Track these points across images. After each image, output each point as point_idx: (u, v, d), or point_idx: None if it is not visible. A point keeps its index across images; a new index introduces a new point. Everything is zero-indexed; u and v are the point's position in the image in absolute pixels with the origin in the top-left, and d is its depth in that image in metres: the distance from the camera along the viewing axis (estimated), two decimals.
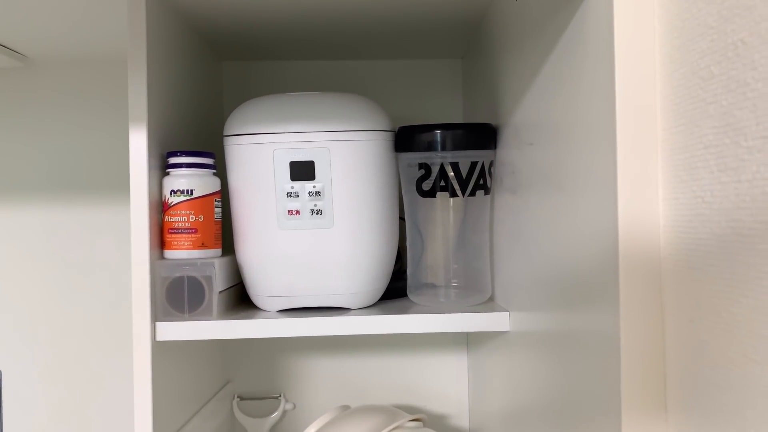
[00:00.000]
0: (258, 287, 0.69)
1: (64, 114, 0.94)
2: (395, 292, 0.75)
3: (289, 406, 0.93)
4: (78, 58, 0.92)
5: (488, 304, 0.71)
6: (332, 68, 0.94)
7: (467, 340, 0.95)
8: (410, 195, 0.71)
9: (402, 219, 0.74)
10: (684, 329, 0.34)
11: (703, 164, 0.31)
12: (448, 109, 0.94)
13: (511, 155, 0.64)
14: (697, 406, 0.32)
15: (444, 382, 0.94)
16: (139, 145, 0.62)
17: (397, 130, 0.71)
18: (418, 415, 0.81)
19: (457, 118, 0.94)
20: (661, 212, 0.36)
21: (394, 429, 0.76)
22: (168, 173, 0.66)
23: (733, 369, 0.29)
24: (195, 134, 0.79)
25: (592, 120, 0.41)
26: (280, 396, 0.93)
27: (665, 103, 0.35)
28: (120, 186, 0.94)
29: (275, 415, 0.92)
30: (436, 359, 0.94)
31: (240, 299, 0.75)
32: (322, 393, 0.94)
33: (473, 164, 0.68)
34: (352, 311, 0.69)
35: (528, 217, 0.58)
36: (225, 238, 0.73)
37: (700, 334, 0.32)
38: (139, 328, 0.63)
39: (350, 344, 0.94)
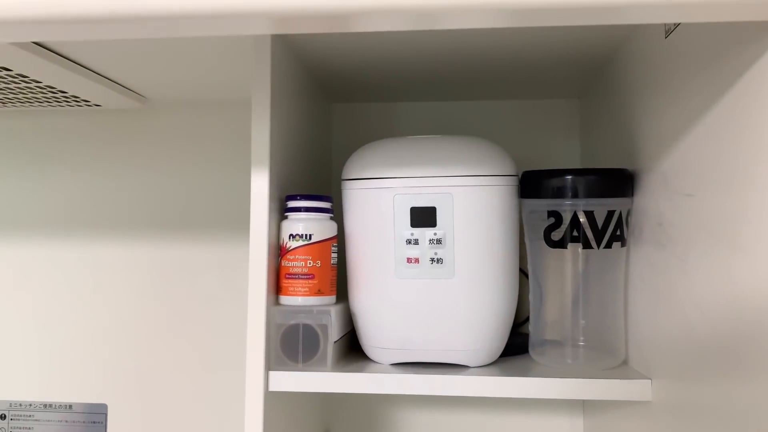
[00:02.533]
0: (371, 338, 0.65)
1: (177, 154, 0.96)
2: (515, 348, 0.70)
3: None
4: (195, 100, 0.94)
5: (622, 368, 0.64)
6: (444, 109, 0.91)
7: (584, 403, 0.87)
8: (535, 244, 0.66)
9: (522, 272, 0.69)
10: None
11: None
12: (565, 151, 0.89)
13: (658, 205, 0.58)
14: None
15: None
16: (260, 187, 0.61)
17: (521, 175, 0.66)
18: None
19: (575, 161, 0.89)
20: None
21: None
22: (286, 217, 0.65)
23: None
24: (310, 178, 0.78)
25: None
26: None
27: None
28: (227, 225, 0.94)
29: None
30: (548, 420, 0.87)
31: (350, 348, 0.72)
32: None
33: (610, 213, 0.62)
34: (471, 369, 0.64)
35: (684, 275, 0.52)
36: (339, 285, 0.70)
37: None
38: (253, 378, 0.60)
39: (457, 400, 0.89)
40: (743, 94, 0.42)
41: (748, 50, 0.41)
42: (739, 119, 0.42)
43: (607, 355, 0.65)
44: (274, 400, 0.63)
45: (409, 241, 0.62)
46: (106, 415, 0.94)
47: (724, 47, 0.45)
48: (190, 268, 0.95)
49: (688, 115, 0.51)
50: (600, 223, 0.62)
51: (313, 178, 0.80)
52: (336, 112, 0.93)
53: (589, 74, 0.79)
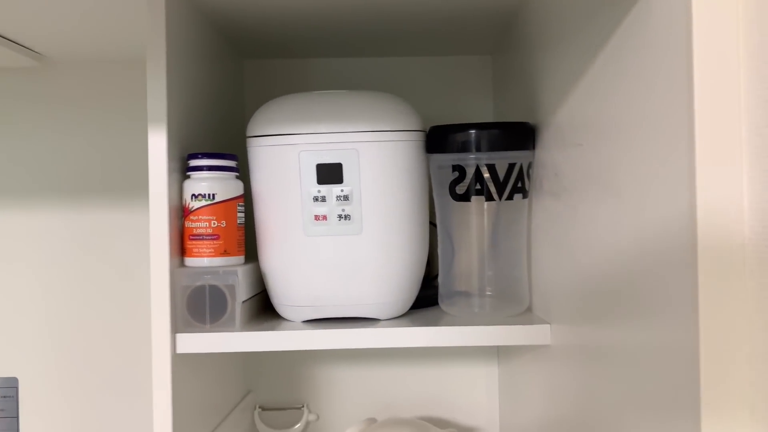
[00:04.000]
0: (282, 296, 0.65)
1: (81, 115, 0.91)
2: (425, 300, 0.71)
3: (312, 417, 0.89)
4: (96, 59, 0.89)
5: (526, 315, 0.67)
6: (356, 66, 0.90)
7: (498, 351, 0.90)
8: (442, 198, 0.67)
9: (432, 224, 0.70)
10: None
11: None
12: (478, 107, 0.90)
13: (554, 157, 0.60)
14: None
15: (473, 394, 0.90)
16: (158, 146, 0.59)
17: (428, 130, 0.67)
18: (448, 430, 0.77)
19: (488, 117, 0.90)
20: (746, 205, 0.31)
21: None
22: (189, 176, 0.63)
23: None
24: (217, 136, 0.76)
25: (661, 116, 0.36)
26: (303, 407, 0.89)
27: (748, 96, 0.31)
28: (139, 188, 0.91)
29: (298, 426, 0.89)
30: (465, 370, 0.90)
31: (263, 308, 0.71)
32: (346, 404, 0.90)
33: (511, 166, 0.64)
34: (382, 322, 0.65)
35: (575, 222, 0.54)
36: (248, 244, 0.69)
37: None
38: (159, 341, 0.59)
39: (376, 354, 0.91)
40: (619, 47, 0.43)
41: (622, 2, 0.42)
42: (615, 70, 0.44)
43: (513, 304, 0.67)
44: (184, 363, 0.62)
45: (316, 198, 0.62)
46: (17, 389, 0.90)
47: (602, 1, 0.46)
48: (103, 233, 0.91)
49: (577, 69, 0.52)
50: (501, 175, 0.63)
51: (224, 138, 0.78)
52: (248, 68, 0.90)
53: (500, 30, 0.79)
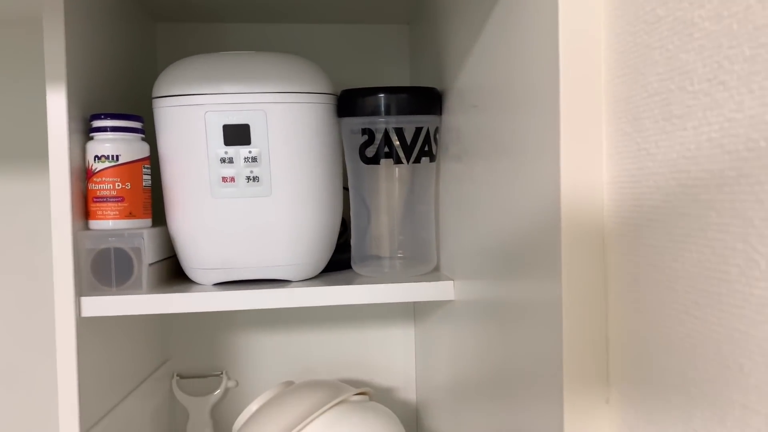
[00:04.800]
0: (192, 260, 0.65)
1: None
2: (339, 264, 0.73)
3: (231, 384, 0.90)
4: None
5: (433, 273, 0.69)
6: (273, 31, 0.90)
7: (414, 312, 0.93)
8: (354, 163, 0.68)
9: (346, 189, 0.71)
10: (627, 291, 0.33)
11: (647, 114, 0.30)
12: (395, 76, 0.92)
13: (457, 120, 0.62)
14: (640, 371, 0.31)
15: (391, 356, 0.93)
16: (57, 106, 0.58)
17: (339, 94, 0.68)
18: (363, 389, 0.80)
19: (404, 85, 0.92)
20: (605, 168, 0.34)
21: (338, 403, 0.75)
22: (92, 138, 0.61)
23: (675, 328, 0.28)
24: (125, 99, 0.74)
25: (534, 80, 0.39)
26: (221, 374, 0.90)
27: (609, 53, 0.33)
28: (39, 154, 0.87)
29: (217, 393, 0.89)
30: (382, 332, 0.93)
31: (174, 273, 0.71)
32: (265, 370, 0.91)
33: (418, 130, 0.66)
34: (293, 283, 0.66)
35: (472, 183, 0.56)
36: (156, 208, 0.68)
37: (644, 293, 0.31)
38: (63, 304, 0.58)
39: (294, 319, 0.92)
40: (501, 12, 0.45)
41: None
42: (500, 37, 0.46)
43: (422, 264, 0.70)
44: (91, 328, 0.62)
45: (223, 160, 0.62)
46: None
47: None
48: (8, 201, 0.88)
49: (472, 36, 0.54)
50: (409, 139, 0.65)
51: (131, 101, 0.76)
52: (160, 32, 0.88)
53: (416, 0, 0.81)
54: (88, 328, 0.61)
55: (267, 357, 0.91)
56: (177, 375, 0.89)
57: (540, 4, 0.37)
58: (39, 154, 0.88)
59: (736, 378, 0.23)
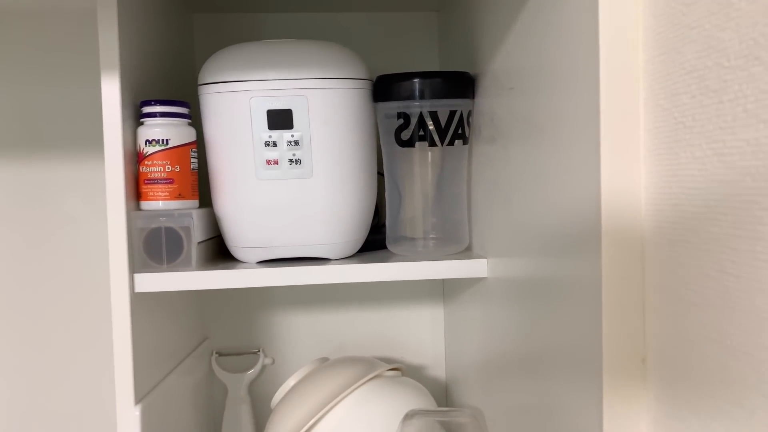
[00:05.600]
0: (236, 239, 0.69)
1: (29, 68, 0.91)
2: (374, 244, 0.76)
3: (268, 361, 0.94)
4: (41, 10, 0.88)
5: (466, 252, 0.72)
6: (306, 20, 0.92)
7: (443, 292, 0.96)
8: (389, 146, 0.71)
9: (380, 174, 0.74)
10: (667, 274, 0.35)
11: (684, 90, 0.32)
12: (425, 61, 0.94)
13: (491, 103, 0.64)
14: (676, 357, 0.34)
15: (421, 334, 0.96)
16: (111, 93, 0.61)
17: (375, 79, 0.70)
18: (396, 365, 0.83)
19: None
20: (642, 145, 0.36)
21: (372, 378, 0.78)
22: (142, 123, 0.65)
23: (710, 312, 0.30)
24: (169, 87, 0.77)
25: (573, 62, 0.41)
26: (258, 351, 0.93)
27: (647, 34, 0.35)
28: (89, 142, 0.91)
29: (254, 370, 0.93)
30: (412, 312, 0.96)
31: (219, 252, 0.74)
32: (300, 347, 0.95)
33: (452, 113, 0.68)
34: (332, 261, 0.69)
35: (507, 165, 0.59)
36: (203, 191, 0.72)
37: (683, 277, 0.33)
38: (118, 280, 0.62)
39: (328, 298, 0.95)
40: (538, 3, 0.47)
41: None
42: (538, 20, 0.48)
43: (454, 244, 0.72)
44: (143, 304, 0.65)
45: (267, 144, 0.65)
46: None
47: None
48: (51, 188, 0.92)
49: (508, 20, 0.56)
50: (443, 122, 0.68)
51: (174, 88, 0.80)
52: (198, 22, 0.91)
53: None
54: (140, 303, 0.65)
55: (302, 335, 0.95)
56: (216, 352, 0.93)
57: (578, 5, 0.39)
58: (83, 141, 0.91)
59: None
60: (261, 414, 0.93)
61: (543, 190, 0.49)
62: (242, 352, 0.94)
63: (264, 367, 0.94)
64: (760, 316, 0.27)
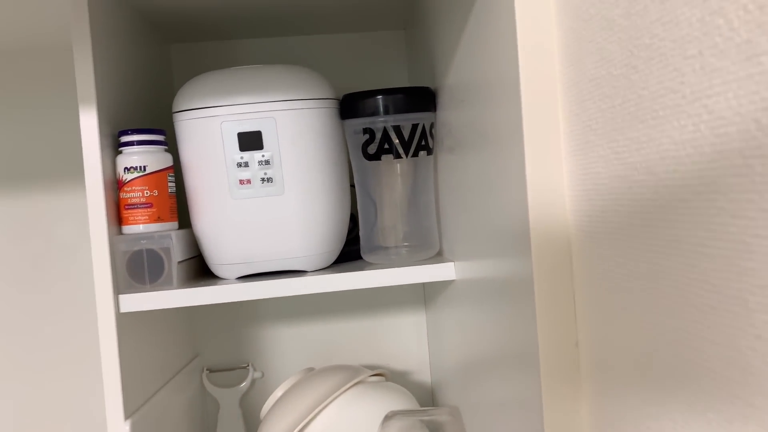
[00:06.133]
0: (216, 256, 0.72)
1: (6, 104, 0.95)
2: (350, 255, 0.79)
3: (257, 375, 0.96)
4: (21, 48, 0.92)
5: (436, 257, 0.75)
6: (279, 45, 0.96)
7: (425, 298, 0.99)
8: (358, 160, 0.75)
9: (353, 186, 0.77)
10: (593, 268, 0.38)
11: (588, 97, 0.35)
12: (395, 78, 0.98)
13: (448, 115, 0.68)
14: (603, 347, 0.37)
15: (405, 341, 0.99)
16: (89, 124, 0.65)
17: (341, 98, 0.74)
18: (379, 370, 0.86)
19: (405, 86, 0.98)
20: (563, 147, 0.40)
21: (356, 384, 0.81)
22: (121, 152, 0.68)
23: (635, 308, 0.33)
24: (148, 115, 0.81)
25: (502, 74, 0.45)
26: (248, 366, 0.96)
27: (560, 47, 0.39)
28: (71, 172, 0.95)
29: (244, 384, 0.96)
30: (396, 319, 0.99)
31: (201, 271, 0.78)
32: (288, 359, 0.98)
33: (414, 126, 0.72)
34: (309, 273, 0.72)
35: (465, 172, 0.62)
36: (181, 212, 0.75)
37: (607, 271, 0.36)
38: (103, 301, 0.65)
39: (313, 311, 0.98)
40: (478, 15, 0.51)
41: None
42: (477, 38, 0.52)
43: (425, 250, 0.75)
44: (129, 323, 0.68)
45: (239, 164, 0.68)
46: None
47: None
48: (40, 218, 0.95)
49: (456, 36, 0.60)
50: (406, 135, 0.71)
51: (152, 117, 0.83)
52: (175, 52, 0.95)
53: (409, 6, 0.87)
54: (126, 323, 0.68)
55: (289, 348, 0.98)
56: (207, 369, 0.96)
57: (501, 6, 0.43)
58: (69, 172, 0.95)
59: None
60: (253, 426, 0.96)
61: (491, 195, 0.53)
62: (232, 367, 0.97)
63: (254, 380, 0.97)
64: (660, 297, 0.30)
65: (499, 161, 0.49)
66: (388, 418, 0.69)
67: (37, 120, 0.95)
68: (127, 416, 0.66)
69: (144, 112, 0.80)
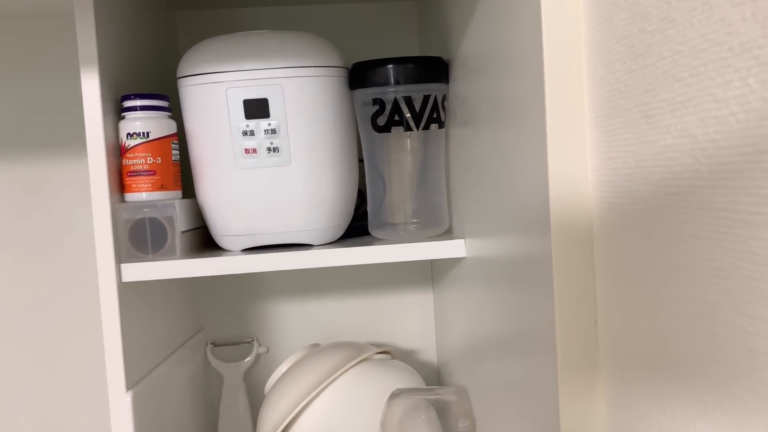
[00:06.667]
0: (220, 227, 0.70)
1: (14, 70, 0.93)
2: (358, 230, 0.77)
3: (262, 350, 0.95)
4: (21, 13, 0.90)
5: (445, 234, 0.73)
6: (287, 13, 0.94)
7: (432, 277, 0.97)
8: (366, 133, 0.73)
9: (361, 161, 0.75)
10: (614, 250, 0.36)
11: (617, 57, 0.33)
12: (406, 50, 0.95)
13: (462, 87, 0.65)
14: (621, 328, 0.35)
15: (411, 319, 0.97)
16: (91, 88, 0.63)
17: (350, 67, 0.72)
18: (385, 348, 0.84)
19: None
20: (587, 116, 0.38)
21: (361, 361, 0.79)
22: (123, 117, 0.66)
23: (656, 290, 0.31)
24: (152, 81, 0.79)
25: (523, 42, 0.42)
26: (252, 340, 0.95)
27: (586, 7, 0.37)
28: (70, 140, 0.93)
29: (249, 359, 0.95)
30: (402, 297, 0.97)
31: (205, 243, 0.76)
32: (293, 335, 0.96)
33: (426, 98, 0.69)
34: (315, 247, 0.71)
35: (477, 146, 0.60)
36: (186, 182, 0.73)
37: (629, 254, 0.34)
38: (104, 271, 0.64)
39: (319, 287, 0.97)
40: None
41: None
42: (497, 2, 0.49)
43: (435, 227, 0.74)
44: (131, 294, 0.67)
45: (245, 133, 0.66)
46: None
47: None
48: (45, 186, 0.94)
49: (473, 8, 0.57)
50: (417, 107, 0.69)
51: (156, 84, 0.81)
52: (181, 19, 0.93)
53: None
54: (128, 293, 0.66)
55: (294, 323, 0.96)
56: (211, 343, 0.95)
57: None
58: (70, 140, 0.93)
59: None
60: (257, 401, 0.95)
61: (507, 170, 0.50)
62: (237, 342, 0.95)
63: (258, 355, 0.96)
64: (690, 270, 0.28)
65: (517, 134, 0.46)
66: (394, 395, 0.68)
67: (39, 87, 0.93)
68: (128, 387, 0.65)
69: (148, 78, 0.78)
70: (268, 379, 0.95)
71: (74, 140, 0.94)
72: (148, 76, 0.78)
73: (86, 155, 0.93)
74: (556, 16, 0.38)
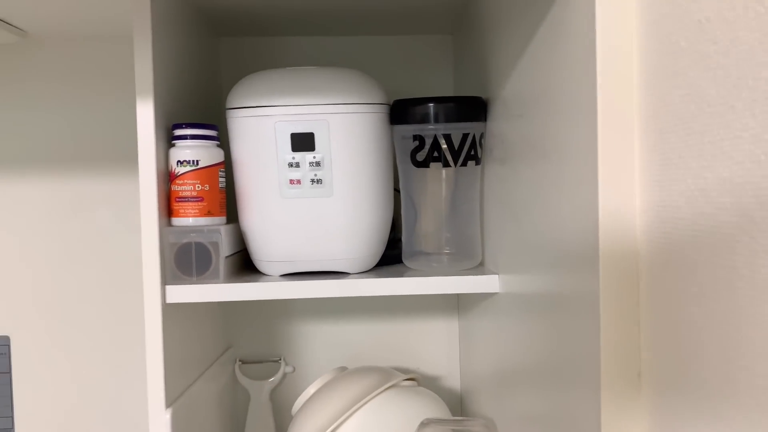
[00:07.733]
0: (261, 253, 0.73)
1: (63, 89, 0.96)
2: (391, 259, 0.79)
3: (289, 369, 0.97)
4: (79, 35, 0.94)
5: (479, 268, 0.75)
6: (326, 44, 0.96)
7: (458, 305, 0.99)
8: (405, 166, 0.75)
9: (397, 191, 0.78)
10: (660, 292, 0.38)
11: (671, 128, 0.35)
12: (439, 84, 0.98)
13: (501, 127, 0.68)
14: (669, 369, 0.37)
15: (436, 346, 0.99)
16: (146, 116, 0.65)
17: (392, 103, 0.74)
18: (411, 375, 0.86)
19: (448, 93, 0.97)
20: (638, 175, 0.40)
21: (389, 387, 0.81)
22: (174, 144, 0.69)
23: (702, 330, 0.33)
24: (197, 108, 0.82)
25: (575, 91, 0.44)
26: (280, 359, 0.97)
27: (641, 77, 0.39)
28: (120, 159, 0.96)
29: (275, 377, 0.97)
30: (428, 324, 0.99)
31: (244, 266, 0.78)
32: (320, 356, 0.98)
33: (465, 136, 0.71)
34: (351, 275, 0.73)
35: (516, 184, 0.62)
36: (230, 208, 0.76)
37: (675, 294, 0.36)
38: (150, 292, 0.66)
39: (347, 310, 0.99)
40: (548, 30, 0.51)
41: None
42: (544, 53, 0.52)
43: (468, 259, 0.75)
44: (173, 315, 0.69)
45: (291, 165, 0.69)
46: (9, 347, 0.96)
47: None
48: (84, 202, 0.97)
49: (519, 50, 0.60)
50: (456, 144, 0.71)
51: (202, 109, 0.84)
52: (224, 45, 0.96)
53: (459, 11, 0.86)
54: (170, 313, 0.69)
55: (321, 345, 0.98)
56: (239, 360, 0.97)
57: (580, 23, 0.43)
58: (118, 159, 0.96)
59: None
60: (282, 419, 0.97)
61: (548, 210, 0.52)
62: (264, 360, 0.98)
63: (285, 374, 0.98)
64: (737, 337, 0.30)
65: (559, 175, 0.48)
66: (424, 425, 0.70)
67: (89, 107, 0.96)
68: (168, 405, 0.67)
69: (194, 106, 0.81)
70: (293, 399, 0.97)
71: (116, 157, 0.96)
72: (194, 103, 0.81)
73: (126, 175, 0.96)
74: (610, 71, 0.40)
